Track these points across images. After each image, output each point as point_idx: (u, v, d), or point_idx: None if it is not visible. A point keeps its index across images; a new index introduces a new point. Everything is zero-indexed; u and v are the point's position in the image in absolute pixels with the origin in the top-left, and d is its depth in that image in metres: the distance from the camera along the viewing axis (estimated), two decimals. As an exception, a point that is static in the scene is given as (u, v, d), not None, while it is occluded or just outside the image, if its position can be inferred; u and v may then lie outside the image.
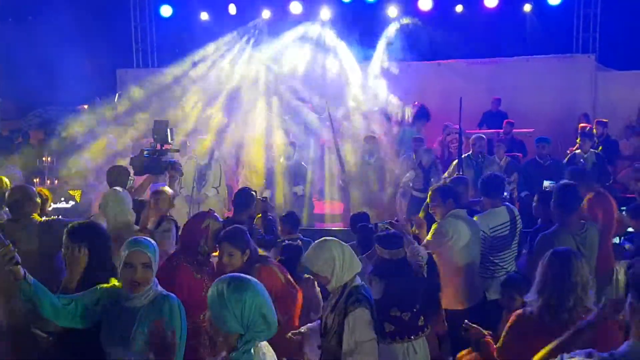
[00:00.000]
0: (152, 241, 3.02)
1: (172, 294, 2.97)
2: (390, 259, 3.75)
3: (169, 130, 4.94)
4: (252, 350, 2.32)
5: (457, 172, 7.43)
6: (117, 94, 11.06)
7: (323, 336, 3.38)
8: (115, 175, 5.03)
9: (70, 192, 8.06)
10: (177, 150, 5.21)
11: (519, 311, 3.03)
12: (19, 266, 2.73)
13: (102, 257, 3.19)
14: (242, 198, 4.98)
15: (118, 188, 4.55)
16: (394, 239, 3.81)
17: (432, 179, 7.69)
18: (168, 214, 4.82)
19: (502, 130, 9.84)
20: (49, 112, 12.53)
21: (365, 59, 11.62)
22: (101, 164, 8.60)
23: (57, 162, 9.38)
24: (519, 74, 11.22)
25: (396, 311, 3.70)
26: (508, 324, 2.99)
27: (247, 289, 2.35)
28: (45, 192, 5.47)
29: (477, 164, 7.59)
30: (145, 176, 5.33)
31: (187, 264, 3.70)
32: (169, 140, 4.97)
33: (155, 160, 4.90)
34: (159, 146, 4.96)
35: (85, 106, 13.22)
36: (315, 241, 3.36)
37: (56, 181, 9.16)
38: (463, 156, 7.53)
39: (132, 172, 5.16)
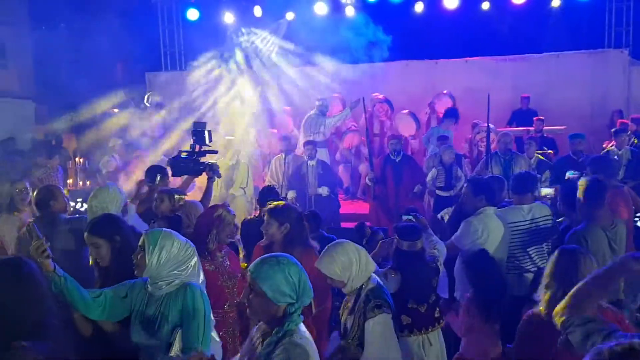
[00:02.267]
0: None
1: (195, 282, 3.03)
2: (408, 251, 3.72)
3: (207, 131, 4.98)
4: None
5: (484, 170, 7.35)
6: (146, 96, 11.23)
7: (342, 336, 3.37)
8: (154, 175, 5.10)
9: (102, 192, 8.20)
10: (216, 152, 5.25)
11: (530, 310, 3.00)
12: (50, 259, 2.82)
13: (124, 250, 3.24)
14: (267, 195, 5.01)
15: (108, 184, 4.60)
16: (412, 230, 3.78)
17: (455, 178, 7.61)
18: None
19: (532, 128, 9.68)
20: (81, 116, 12.78)
21: (390, 57, 11.58)
22: (132, 165, 8.79)
23: (89, 163, 9.58)
24: (548, 71, 11.05)
25: (413, 303, 3.68)
26: (520, 324, 2.98)
27: (295, 261, 2.49)
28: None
29: (504, 161, 7.48)
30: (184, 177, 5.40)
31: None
32: (207, 142, 5.02)
33: (193, 162, 4.96)
34: (197, 147, 5.00)
35: (116, 110, 13.49)
36: (329, 245, 3.33)
37: (88, 182, 9.36)
38: (491, 153, 7.43)
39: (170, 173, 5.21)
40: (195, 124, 5.07)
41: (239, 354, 2.81)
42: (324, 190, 7.74)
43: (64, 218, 4.53)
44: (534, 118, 9.89)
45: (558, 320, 2.31)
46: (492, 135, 9.77)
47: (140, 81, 13.00)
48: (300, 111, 11.23)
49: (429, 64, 11.57)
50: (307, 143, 8.15)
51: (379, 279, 3.39)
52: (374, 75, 11.67)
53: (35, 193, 4.57)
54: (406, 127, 10.24)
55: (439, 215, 5.47)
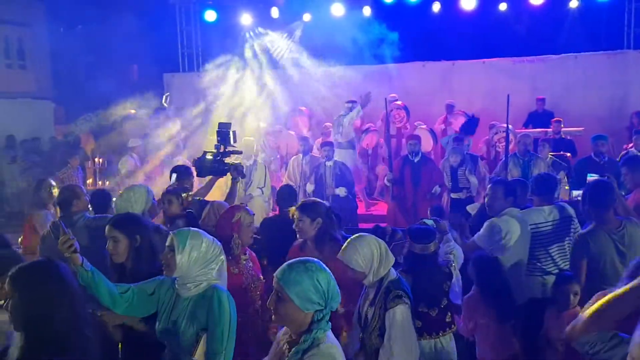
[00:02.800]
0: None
1: (221, 286, 3.03)
2: (420, 254, 3.71)
3: (231, 132, 5.02)
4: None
5: (503, 171, 7.33)
6: (164, 96, 11.33)
7: (363, 329, 3.39)
8: (179, 174, 5.16)
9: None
10: (240, 152, 5.29)
11: None
12: (77, 254, 2.86)
13: (143, 251, 3.28)
14: (286, 193, 5.03)
15: (135, 185, 4.67)
16: (425, 233, 3.76)
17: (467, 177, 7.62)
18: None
19: (550, 129, 9.62)
20: (99, 117, 12.92)
21: (407, 58, 11.60)
22: (151, 165, 8.88)
23: (108, 163, 9.68)
24: (566, 72, 10.96)
25: (424, 307, 3.67)
26: None
27: (324, 266, 2.45)
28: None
29: (523, 163, 7.45)
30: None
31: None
32: (232, 143, 5.06)
33: (218, 162, 5.00)
34: (222, 148, 5.04)
35: (133, 110, 13.60)
36: (351, 237, 3.36)
37: (107, 182, 9.46)
38: (510, 155, 7.40)
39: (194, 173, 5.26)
40: (220, 124, 5.11)
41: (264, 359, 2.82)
42: (341, 191, 7.75)
43: (86, 217, 4.61)
44: (552, 120, 9.84)
45: (577, 337, 2.17)
46: (510, 137, 9.78)
47: (158, 82, 13.11)
48: (315, 112, 11.27)
49: (446, 65, 11.55)
50: (324, 144, 8.17)
51: (397, 272, 3.42)
52: (390, 77, 11.69)
53: (58, 193, 4.64)
54: (423, 144, 10.24)
55: (468, 208, 5.43)
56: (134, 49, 13.40)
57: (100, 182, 9.51)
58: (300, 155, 8.80)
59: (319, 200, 4.15)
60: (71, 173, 10.11)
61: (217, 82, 12.03)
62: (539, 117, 10.48)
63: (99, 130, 12.87)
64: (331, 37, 11.58)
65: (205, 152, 5.11)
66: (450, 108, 10.71)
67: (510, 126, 9.71)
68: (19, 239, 5.63)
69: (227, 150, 5.04)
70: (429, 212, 5.67)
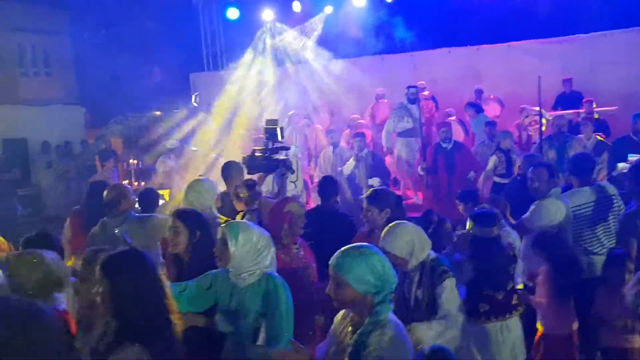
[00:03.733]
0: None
1: (276, 274, 3.12)
2: (484, 238, 3.73)
3: (279, 128, 5.09)
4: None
5: (538, 154, 7.27)
6: (194, 95, 11.47)
7: (412, 310, 3.42)
8: (230, 171, 5.24)
9: (159, 191, 8.43)
10: (288, 148, 5.37)
11: None
12: None
13: (202, 246, 3.37)
14: (328, 184, 5.09)
15: (202, 178, 4.74)
16: (487, 216, 3.80)
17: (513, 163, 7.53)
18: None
19: (582, 110, 9.50)
20: (129, 119, 13.14)
21: (431, 45, 11.56)
22: (186, 164, 9.01)
23: (143, 164, 9.85)
24: (596, 51, 10.74)
25: (489, 290, 3.71)
26: None
27: (377, 249, 2.53)
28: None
29: (559, 145, 7.37)
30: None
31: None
32: (280, 139, 5.13)
33: (267, 159, 5.08)
34: (270, 144, 5.12)
35: (157, 112, 13.82)
36: (390, 226, 3.41)
37: (143, 183, 9.62)
38: (544, 137, 7.34)
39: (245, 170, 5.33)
40: (268, 121, 5.19)
41: (321, 344, 2.88)
42: (375, 181, 7.75)
43: (133, 216, 4.72)
44: (583, 100, 9.70)
45: None
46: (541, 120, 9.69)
47: (185, 82, 13.27)
48: (339, 105, 11.30)
49: (471, 50, 11.45)
50: (355, 135, 8.20)
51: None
52: (415, 65, 11.68)
53: (105, 193, 4.75)
54: (492, 109, 10.22)
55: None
56: (158, 50, 13.54)
57: (136, 183, 9.68)
58: (331, 147, 8.84)
59: (387, 189, 4.20)
60: (108, 175, 10.30)
61: (242, 80, 12.13)
62: (568, 98, 10.33)
63: (129, 133, 13.09)
64: (354, 28, 11.61)
65: (254, 150, 5.19)
66: (479, 93, 10.64)
67: (541, 109, 9.71)
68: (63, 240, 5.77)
69: (275, 146, 5.12)
70: (457, 198, 5.66)
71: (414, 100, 9.16)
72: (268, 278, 3.03)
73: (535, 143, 9.39)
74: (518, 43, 11.24)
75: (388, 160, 9.26)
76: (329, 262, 2.51)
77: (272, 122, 5.14)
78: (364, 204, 4.04)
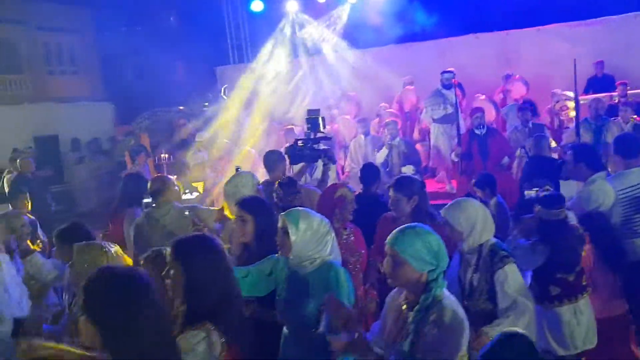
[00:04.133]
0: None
1: (336, 261, 3.12)
2: (554, 220, 3.71)
3: (320, 118, 5.12)
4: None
5: (575, 137, 7.19)
6: (223, 88, 11.53)
7: (468, 297, 3.41)
8: (272, 160, 5.25)
9: (193, 184, 8.54)
10: (330, 138, 5.41)
11: None
12: None
13: (267, 231, 3.39)
14: (370, 171, 5.11)
15: (241, 172, 4.77)
16: (557, 199, 3.78)
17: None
18: None
19: (615, 93, 9.33)
20: (157, 114, 13.28)
21: (459, 32, 11.45)
22: (218, 156, 9.09)
23: (175, 158, 9.95)
24: (629, 32, 10.53)
25: (562, 273, 3.70)
26: None
27: (431, 229, 2.57)
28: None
29: (596, 128, 7.28)
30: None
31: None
32: (322, 129, 5.16)
33: (310, 149, 5.12)
34: (312, 135, 5.15)
35: (181, 107, 13.94)
36: (458, 198, 3.45)
37: (175, 176, 9.72)
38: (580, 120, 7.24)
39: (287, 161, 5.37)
40: (309, 111, 5.23)
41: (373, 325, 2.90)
42: (408, 169, 7.75)
43: (177, 206, 4.78)
44: (617, 83, 9.53)
45: None
46: (571, 103, 9.56)
47: (211, 75, 13.33)
48: (365, 95, 11.26)
49: (500, 35, 11.32)
50: (388, 123, 8.18)
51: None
52: (443, 52, 11.56)
53: (150, 184, 4.82)
54: (486, 115, 10.07)
55: None
56: (182, 45, 13.63)
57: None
58: (362, 136, 8.84)
59: (413, 177, 4.20)
60: (140, 169, 10.44)
61: (267, 72, 12.16)
62: (599, 81, 10.15)
63: (158, 128, 13.23)
64: (378, 16, 11.54)
65: (296, 140, 5.23)
66: (508, 79, 10.53)
67: (571, 93, 9.56)
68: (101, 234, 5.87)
69: (317, 136, 5.14)
70: (473, 183, 5.62)
71: (449, 85, 9.06)
72: (330, 266, 3.04)
73: (567, 128, 9.32)
74: (547, 27, 11.06)
75: (418, 148, 9.21)
76: (386, 241, 2.56)
77: (314, 112, 5.17)
78: (391, 193, 4.02)
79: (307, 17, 12.64)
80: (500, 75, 10.74)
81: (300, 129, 9.66)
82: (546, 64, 10.57)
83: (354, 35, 12.13)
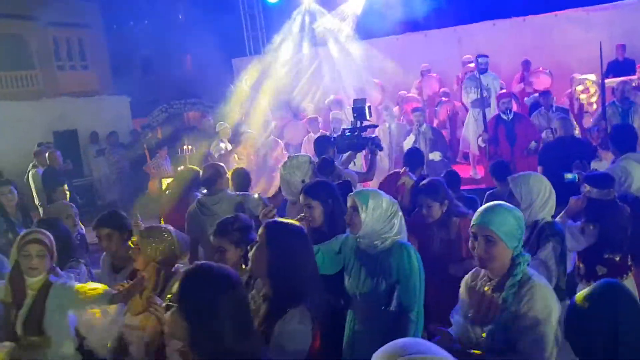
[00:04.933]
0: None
1: (406, 241, 3.18)
2: (604, 200, 3.74)
3: (367, 107, 5.20)
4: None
5: (602, 120, 7.24)
6: (244, 79, 11.57)
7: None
8: (323, 145, 5.39)
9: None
10: (376, 126, 5.48)
11: None
12: None
13: (336, 213, 3.48)
14: (414, 156, 5.17)
15: (297, 154, 4.88)
16: (607, 178, 3.80)
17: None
18: None
19: (636, 77, 9.36)
20: (174, 107, 13.32)
21: (476, 19, 11.48)
22: (242, 146, 9.15)
23: (196, 149, 10.01)
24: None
25: (609, 253, 3.73)
26: None
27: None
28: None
29: (622, 111, 7.33)
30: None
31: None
32: (368, 117, 5.24)
33: (357, 138, 5.20)
34: (358, 123, 5.23)
35: (196, 100, 13.96)
36: (529, 171, 3.47)
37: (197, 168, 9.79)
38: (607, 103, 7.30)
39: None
40: (356, 100, 5.30)
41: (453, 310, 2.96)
42: (436, 156, 7.81)
43: (229, 194, 4.86)
44: (638, 65, 9.56)
45: None
46: (594, 88, 9.60)
47: (227, 67, 13.36)
48: (392, 83, 11.30)
49: (517, 21, 11.33)
50: (414, 109, 8.24)
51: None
52: (459, 39, 11.60)
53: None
54: (542, 82, 10.12)
55: None
56: (201, 37, 13.61)
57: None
58: (387, 124, 8.88)
59: (438, 179, 4.15)
60: (161, 162, 10.53)
61: (283, 63, 12.18)
62: (619, 65, 10.15)
63: (175, 120, 13.29)
64: (395, 5, 11.54)
65: (344, 129, 5.31)
66: (526, 65, 10.55)
67: (593, 77, 9.62)
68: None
69: (363, 125, 5.22)
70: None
71: (484, 70, 9.07)
72: (401, 246, 3.08)
73: (586, 112, 9.37)
74: (565, 12, 11.08)
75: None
76: (476, 222, 2.54)
77: (360, 101, 5.24)
78: (424, 199, 3.91)
79: (322, 8, 12.65)
80: (518, 62, 10.77)
81: (321, 118, 9.74)
82: (564, 49, 10.61)
83: (369, 24, 12.14)
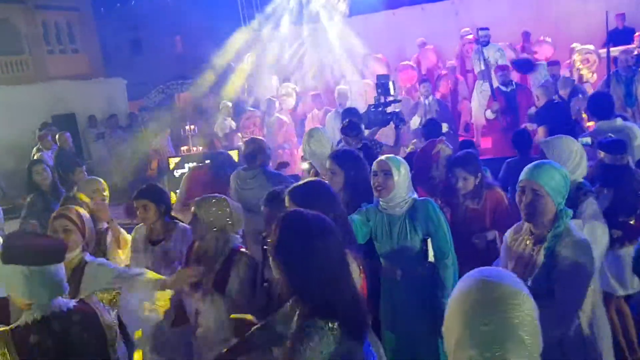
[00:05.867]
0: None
1: (429, 198, 3.40)
2: (617, 165, 3.84)
3: (390, 83, 5.26)
4: None
5: (606, 89, 7.32)
6: (247, 55, 11.48)
7: None
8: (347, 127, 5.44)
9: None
10: (399, 101, 5.55)
11: None
12: None
13: (357, 182, 3.60)
14: (433, 127, 5.25)
15: (319, 127, 4.97)
16: (620, 144, 3.90)
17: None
18: None
19: (634, 45, 9.43)
20: (171, 88, 13.25)
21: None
22: (246, 124, 9.15)
23: (200, 129, 10.00)
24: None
25: (624, 217, 3.84)
26: None
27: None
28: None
29: (627, 79, 7.41)
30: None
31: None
32: (392, 92, 5.30)
33: (382, 113, 5.28)
34: (382, 99, 5.30)
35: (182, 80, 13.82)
36: (560, 134, 3.54)
37: (200, 147, 9.79)
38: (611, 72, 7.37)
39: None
40: (379, 76, 5.38)
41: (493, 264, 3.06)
42: (444, 127, 7.85)
43: (269, 170, 4.91)
44: (635, 34, 9.62)
45: None
46: (593, 57, 9.68)
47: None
48: (396, 54, 11.29)
49: (514, -7, 11.35)
50: (422, 80, 8.27)
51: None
52: (456, 12, 11.61)
53: (244, 146, 4.96)
54: (544, 50, 10.14)
55: None
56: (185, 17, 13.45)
57: (194, 148, 9.85)
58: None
59: (471, 152, 4.25)
60: (164, 142, 10.52)
61: (279, 38, 12.11)
62: (619, 34, 10.21)
63: (171, 101, 13.22)
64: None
65: (369, 105, 5.39)
66: (526, 36, 10.59)
67: (592, 47, 9.69)
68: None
69: (387, 100, 5.29)
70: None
71: (485, 42, 9.09)
72: (424, 202, 3.30)
73: (587, 82, 9.45)
74: (562, -18, 11.11)
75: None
76: (524, 177, 2.62)
77: (384, 77, 5.33)
78: (457, 170, 3.96)
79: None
80: (516, 34, 10.80)
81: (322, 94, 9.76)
82: (562, 19, 10.67)
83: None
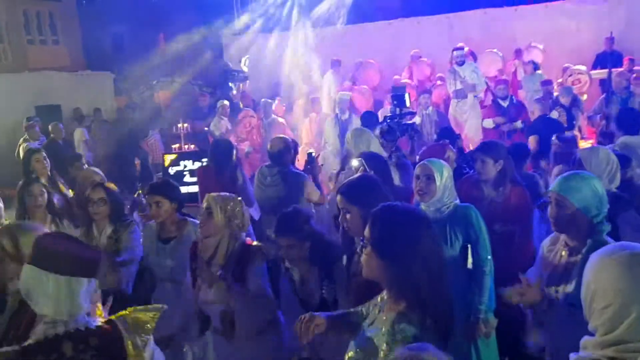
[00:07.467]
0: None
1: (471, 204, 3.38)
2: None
3: (406, 95, 5.31)
4: None
5: (603, 108, 7.52)
6: (244, 59, 11.42)
7: None
8: (371, 121, 5.56)
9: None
10: (414, 113, 5.61)
11: None
12: None
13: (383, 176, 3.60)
14: (448, 132, 5.32)
15: (362, 127, 5.06)
16: (621, 159, 3.82)
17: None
18: None
19: (622, 69, 9.70)
20: (159, 84, 13.04)
21: (467, 7, 11.66)
22: (242, 124, 9.08)
23: (192, 128, 9.89)
24: (631, 8, 10.90)
25: None
26: None
27: (592, 174, 2.73)
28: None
29: (622, 100, 7.63)
30: None
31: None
32: (407, 105, 5.36)
33: (397, 124, 5.32)
34: (398, 110, 5.35)
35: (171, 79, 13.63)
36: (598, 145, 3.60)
37: (192, 145, 9.67)
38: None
39: None
40: (395, 88, 5.45)
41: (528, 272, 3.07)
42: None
43: (290, 171, 4.84)
44: (625, 58, 9.90)
45: None
46: (585, 78, 9.95)
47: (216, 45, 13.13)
48: (388, 65, 11.38)
49: (508, 11, 11.57)
50: (422, 92, 8.36)
51: None
52: (451, 27, 11.78)
53: (270, 145, 4.87)
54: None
55: None
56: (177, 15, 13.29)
57: (186, 147, 9.72)
58: (388, 107, 8.97)
59: (500, 141, 4.36)
60: (155, 140, 10.36)
61: (275, 44, 12.08)
62: (607, 57, 10.48)
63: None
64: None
65: (385, 117, 5.44)
66: (519, 53, 10.81)
67: (583, 67, 9.96)
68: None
69: (402, 112, 5.34)
70: None
71: (460, 62, 9.21)
72: (466, 208, 3.29)
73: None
74: (556, 3, 11.38)
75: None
76: (551, 188, 2.65)
77: (400, 89, 5.37)
78: (479, 155, 4.01)
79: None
80: (508, 51, 11.02)
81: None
82: (552, 39, 10.91)
83: (360, 9, 12.17)
